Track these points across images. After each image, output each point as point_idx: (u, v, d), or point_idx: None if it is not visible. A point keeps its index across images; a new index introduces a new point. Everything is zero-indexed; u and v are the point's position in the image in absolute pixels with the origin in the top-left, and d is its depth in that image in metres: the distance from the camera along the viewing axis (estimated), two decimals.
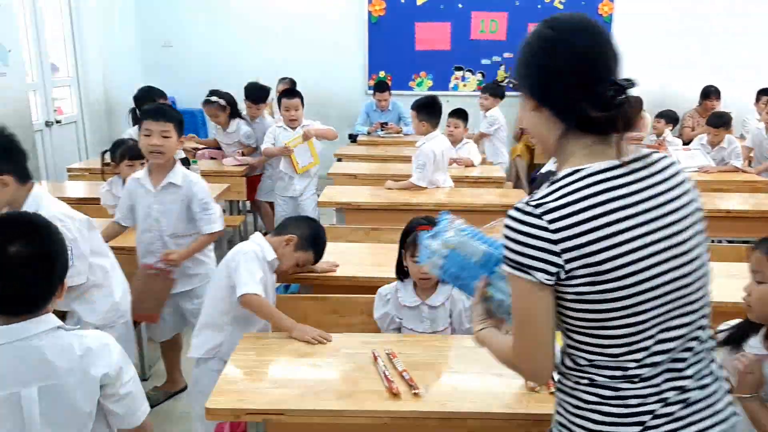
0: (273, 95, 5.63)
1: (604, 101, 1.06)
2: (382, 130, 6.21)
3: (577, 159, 1.10)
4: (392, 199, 3.84)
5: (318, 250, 2.44)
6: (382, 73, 6.87)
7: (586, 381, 1.13)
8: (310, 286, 2.64)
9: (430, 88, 6.88)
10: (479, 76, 6.87)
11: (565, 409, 1.17)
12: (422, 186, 4.00)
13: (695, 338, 1.14)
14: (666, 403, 1.10)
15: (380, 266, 2.59)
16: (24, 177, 2.12)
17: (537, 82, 1.14)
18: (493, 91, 5.82)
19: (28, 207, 2.06)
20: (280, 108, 4.44)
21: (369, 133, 6.32)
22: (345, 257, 2.82)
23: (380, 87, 6.30)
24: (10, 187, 2.08)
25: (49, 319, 1.36)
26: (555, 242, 1.04)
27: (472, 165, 4.74)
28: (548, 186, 1.09)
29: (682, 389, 1.12)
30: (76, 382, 1.35)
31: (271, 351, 1.93)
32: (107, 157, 3.56)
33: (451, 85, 6.90)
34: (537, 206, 1.06)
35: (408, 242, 2.23)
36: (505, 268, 1.10)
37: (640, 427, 1.10)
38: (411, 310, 2.24)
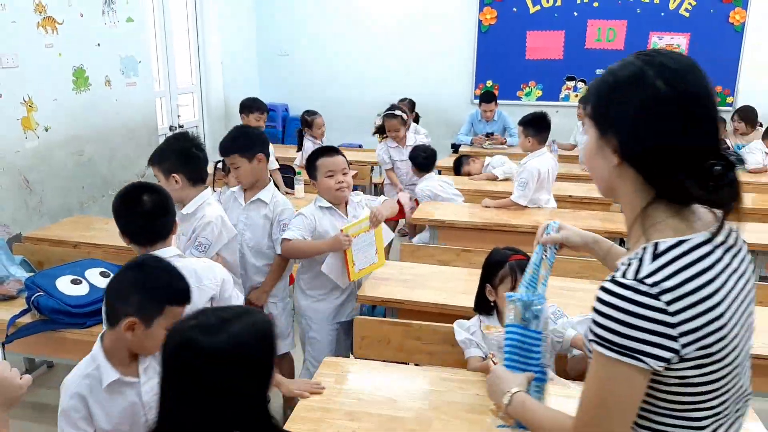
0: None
1: (710, 176, 0.96)
2: (486, 142, 6.12)
3: (669, 228, 1.00)
4: (488, 218, 3.77)
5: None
6: (489, 83, 6.77)
7: None
8: (395, 309, 2.66)
9: (539, 99, 6.69)
10: None
11: None
12: (522, 205, 3.89)
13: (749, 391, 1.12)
14: None
15: (468, 294, 2.55)
16: (194, 179, 2.51)
17: (632, 141, 1.00)
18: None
19: (193, 205, 2.49)
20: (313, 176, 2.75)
21: (472, 144, 6.26)
22: (433, 281, 2.81)
23: (486, 97, 6.20)
24: (180, 186, 2.46)
25: (172, 250, 2.07)
26: (674, 326, 0.95)
27: None
28: (653, 259, 0.97)
29: None
30: (195, 289, 1.78)
31: (349, 379, 1.96)
32: (219, 167, 3.78)
33: (561, 95, 6.66)
34: (652, 285, 0.95)
35: (503, 274, 2.14)
36: (603, 351, 0.98)
37: None
38: (499, 344, 2.18)
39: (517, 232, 3.64)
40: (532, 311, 1.44)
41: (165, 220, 2.07)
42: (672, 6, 6.21)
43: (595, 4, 6.33)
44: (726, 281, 1.00)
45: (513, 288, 2.10)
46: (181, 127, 6.07)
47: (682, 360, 0.97)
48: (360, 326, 2.46)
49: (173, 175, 2.47)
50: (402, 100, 5.84)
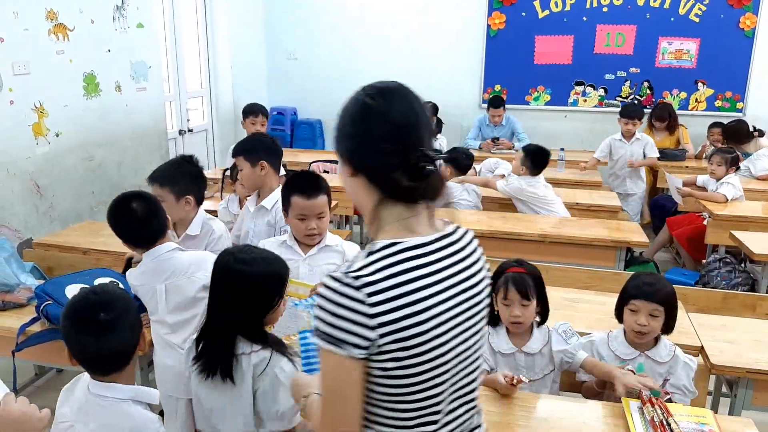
0: None
1: (414, 171, 1.09)
2: (495, 147, 6.13)
3: (393, 230, 1.12)
4: (494, 227, 3.77)
5: None
6: (497, 87, 6.76)
7: None
8: None
9: (547, 103, 6.67)
10: (601, 92, 6.56)
11: None
12: (496, 189, 4.26)
13: (473, 399, 1.23)
14: None
15: None
16: (200, 201, 2.66)
17: (355, 150, 1.15)
18: (640, 114, 5.29)
19: (197, 226, 2.60)
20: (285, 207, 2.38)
21: (481, 148, 6.26)
22: None
23: (495, 103, 6.20)
24: (191, 207, 2.60)
25: (170, 245, 2.22)
26: (371, 316, 1.04)
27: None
28: (366, 256, 1.08)
29: None
30: (186, 281, 2.17)
31: None
32: (227, 174, 3.81)
33: (570, 100, 6.64)
34: (356, 278, 1.05)
35: (498, 284, 2.17)
36: (317, 341, 1.07)
37: None
38: (505, 357, 2.18)
39: (520, 240, 3.65)
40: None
41: (157, 222, 2.20)
42: (682, 11, 6.18)
43: (605, 9, 6.30)
44: (437, 283, 1.09)
45: (505, 298, 2.14)
46: (190, 131, 6.12)
47: (381, 352, 1.05)
48: None
49: (187, 197, 2.57)
50: (426, 103, 5.82)
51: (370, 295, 1.04)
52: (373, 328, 1.04)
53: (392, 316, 1.04)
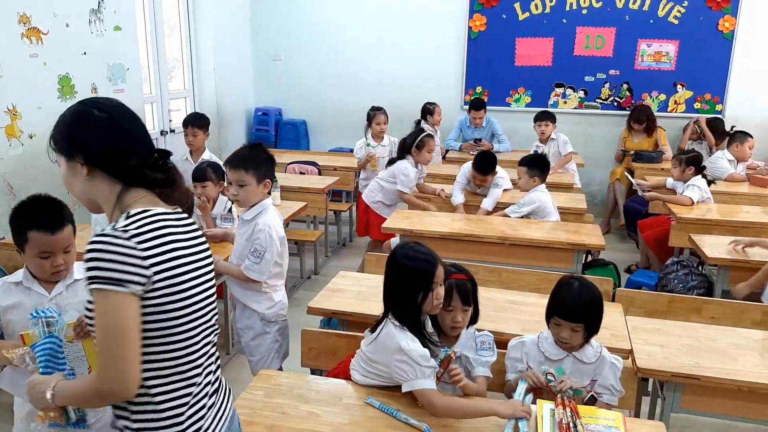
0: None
1: (158, 166, 1.39)
2: (475, 149, 6.18)
3: (141, 203, 1.36)
4: (456, 228, 3.82)
5: None
6: (478, 89, 6.80)
7: (156, 391, 1.34)
8: (345, 321, 2.73)
9: (527, 105, 6.71)
10: (581, 93, 6.59)
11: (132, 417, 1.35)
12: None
13: (215, 351, 1.50)
14: (210, 395, 1.45)
15: None
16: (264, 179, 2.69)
17: (97, 154, 1.35)
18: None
19: (256, 209, 2.68)
20: None
21: (461, 149, 6.31)
22: None
23: (476, 105, 6.24)
24: (268, 190, 2.70)
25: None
26: (143, 258, 1.26)
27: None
28: (125, 219, 1.30)
29: (219, 381, 1.51)
30: None
31: (278, 392, 2.04)
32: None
33: (550, 102, 6.68)
34: (125, 231, 1.27)
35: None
36: (97, 286, 1.24)
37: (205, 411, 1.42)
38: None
39: (482, 242, 3.70)
40: (53, 323, 1.75)
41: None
42: (661, 13, 6.20)
43: (584, 12, 6.34)
44: (182, 241, 1.36)
45: (448, 305, 2.18)
46: (172, 131, 6.18)
47: (155, 289, 1.28)
48: (307, 337, 2.53)
49: (266, 180, 2.66)
50: (374, 109, 5.80)
51: (139, 243, 1.27)
52: (147, 267, 1.27)
53: (160, 258, 1.29)
